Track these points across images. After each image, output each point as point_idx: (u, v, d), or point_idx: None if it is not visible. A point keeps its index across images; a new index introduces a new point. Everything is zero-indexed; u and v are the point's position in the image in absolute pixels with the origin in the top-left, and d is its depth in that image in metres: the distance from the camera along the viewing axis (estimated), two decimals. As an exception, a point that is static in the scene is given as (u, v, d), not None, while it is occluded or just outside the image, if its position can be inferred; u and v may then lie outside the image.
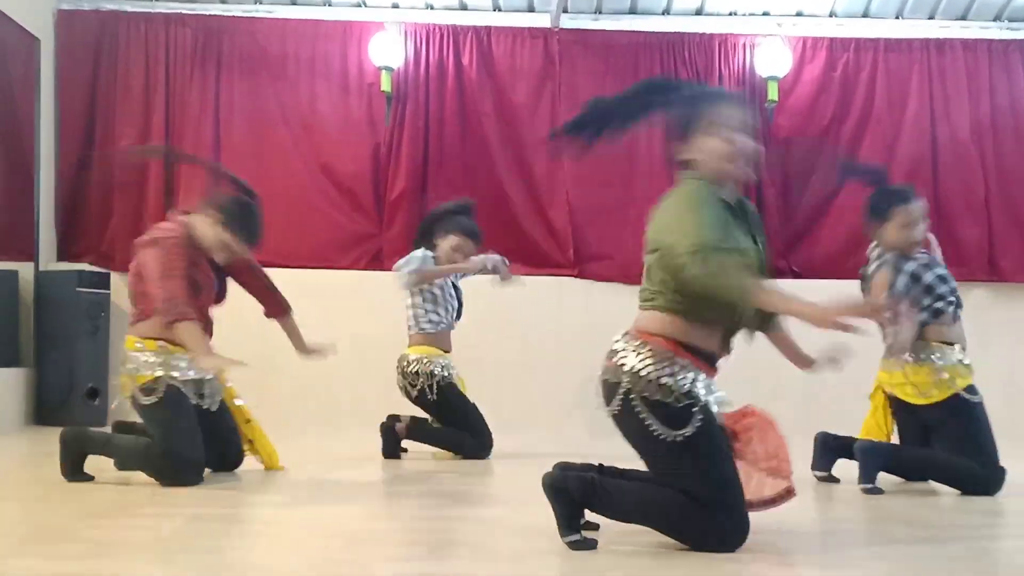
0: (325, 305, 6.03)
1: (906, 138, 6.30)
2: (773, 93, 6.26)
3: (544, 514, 2.22)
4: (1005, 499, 3.20)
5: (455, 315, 4.54)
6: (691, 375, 2.20)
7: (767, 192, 6.23)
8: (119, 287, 5.98)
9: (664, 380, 2.17)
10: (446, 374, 4.28)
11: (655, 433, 2.14)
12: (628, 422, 2.22)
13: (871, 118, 6.36)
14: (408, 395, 4.29)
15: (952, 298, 3.42)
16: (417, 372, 4.22)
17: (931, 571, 2.10)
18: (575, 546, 2.14)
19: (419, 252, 4.38)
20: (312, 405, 5.87)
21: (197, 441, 3.15)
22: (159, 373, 3.14)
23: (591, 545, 2.15)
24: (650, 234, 2.29)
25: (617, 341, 2.32)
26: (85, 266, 6.03)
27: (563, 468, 2.26)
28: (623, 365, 2.23)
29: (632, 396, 2.19)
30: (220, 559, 2.11)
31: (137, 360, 3.17)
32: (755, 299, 2.09)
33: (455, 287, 4.54)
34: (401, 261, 4.47)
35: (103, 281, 5.93)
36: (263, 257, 5.99)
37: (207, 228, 3.29)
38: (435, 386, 4.18)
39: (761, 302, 2.10)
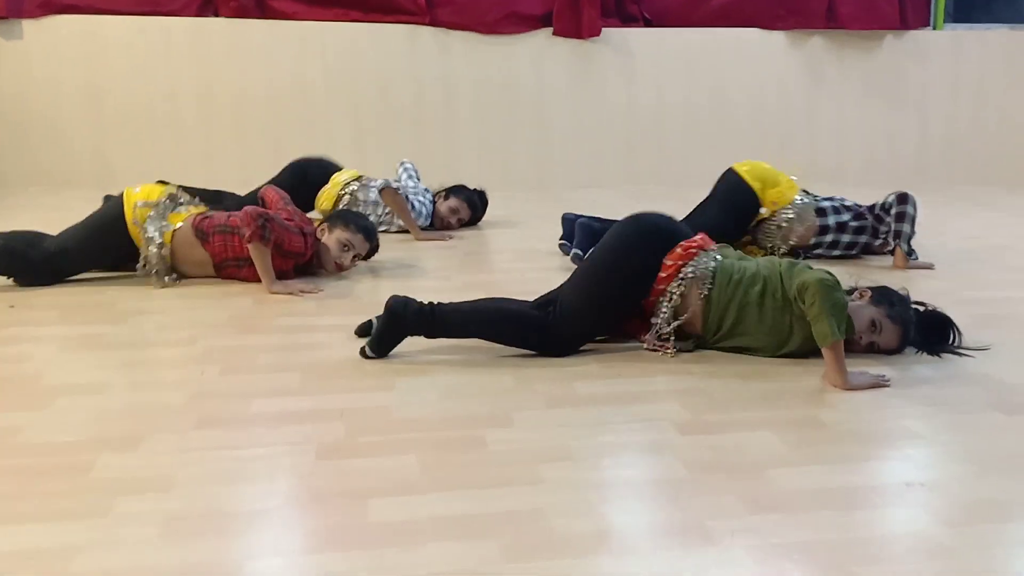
0: (155, 57, 5.60)
1: None
2: None
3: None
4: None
5: None
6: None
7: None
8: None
9: None
10: None
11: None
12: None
13: None
14: None
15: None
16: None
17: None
18: (363, 354, 2.42)
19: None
20: (149, 153, 5.63)
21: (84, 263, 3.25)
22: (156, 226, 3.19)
23: (369, 357, 2.42)
24: None
25: None
26: None
27: (404, 300, 2.42)
28: None
29: None
30: (106, 401, 2.18)
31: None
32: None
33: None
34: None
35: None
36: (72, 1, 5.46)
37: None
38: None
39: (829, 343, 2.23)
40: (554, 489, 1.68)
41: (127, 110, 5.62)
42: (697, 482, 1.71)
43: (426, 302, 2.45)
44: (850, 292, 2.49)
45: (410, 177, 4.52)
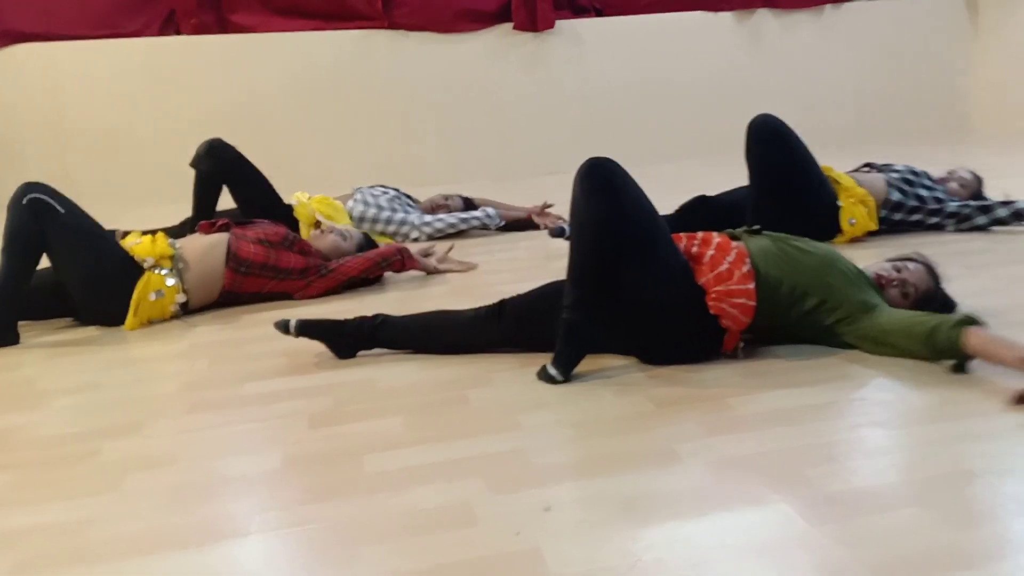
0: (119, 79, 5.69)
1: None
2: None
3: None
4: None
5: None
6: None
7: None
8: None
9: None
10: None
11: None
12: None
13: None
14: None
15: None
16: None
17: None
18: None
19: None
20: (119, 178, 5.70)
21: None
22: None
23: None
24: None
25: None
26: None
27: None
28: None
29: None
30: (101, 397, 2.32)
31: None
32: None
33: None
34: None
35: None
36: (33, 28, 5.53)
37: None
38: None
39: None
40: (533, 432, 1.81)
41: (93, 134, 5.69)
42: (664, 415, 1.85)
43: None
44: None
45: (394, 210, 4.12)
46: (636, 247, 2.08)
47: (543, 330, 2.17)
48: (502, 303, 2.32)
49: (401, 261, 3.23)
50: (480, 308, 2.35)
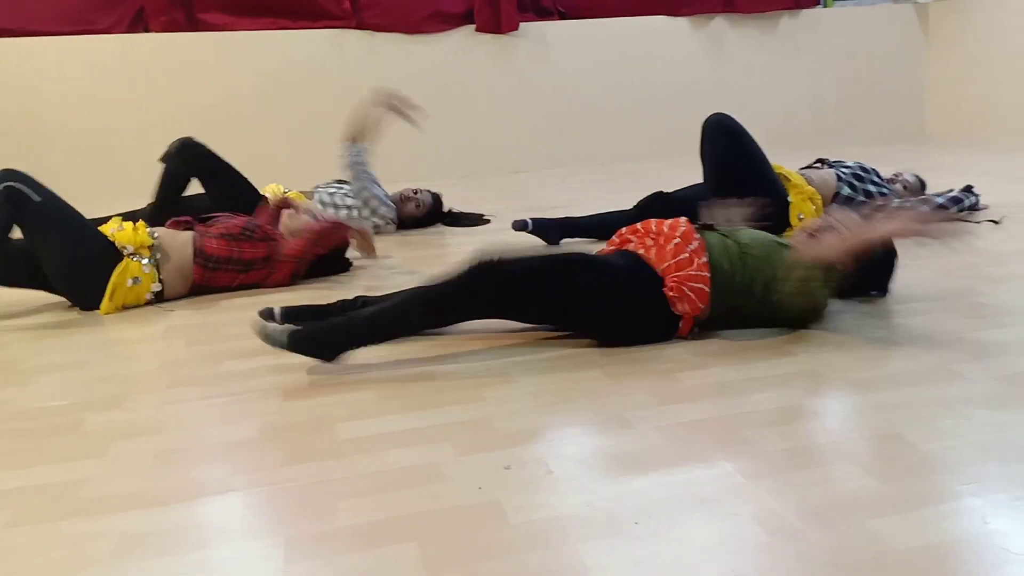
0: (89, 76, 5.73)
1: None
2: None
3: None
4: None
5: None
6: None
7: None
8: None
9: None
10: None
11: None
12: None
13: None
14: None
15: None
16: None
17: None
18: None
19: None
20: (92, 174, 5.74)
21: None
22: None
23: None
24: None
25: None
26: None
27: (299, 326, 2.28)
28: None
29: None
30: (84, 374, 2.41)
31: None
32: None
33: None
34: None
35: None
36: (4, 24, 5.55)
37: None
38: None
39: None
40: (496, 403, 1.95)
41: (67, 130, 5.72)
42: (617, 387, 2.00)
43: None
44: None
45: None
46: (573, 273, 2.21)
47: (524, 296, 2.22)
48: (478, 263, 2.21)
49: (338, 231, 3.31)
50: (451, 274, 2.26)
